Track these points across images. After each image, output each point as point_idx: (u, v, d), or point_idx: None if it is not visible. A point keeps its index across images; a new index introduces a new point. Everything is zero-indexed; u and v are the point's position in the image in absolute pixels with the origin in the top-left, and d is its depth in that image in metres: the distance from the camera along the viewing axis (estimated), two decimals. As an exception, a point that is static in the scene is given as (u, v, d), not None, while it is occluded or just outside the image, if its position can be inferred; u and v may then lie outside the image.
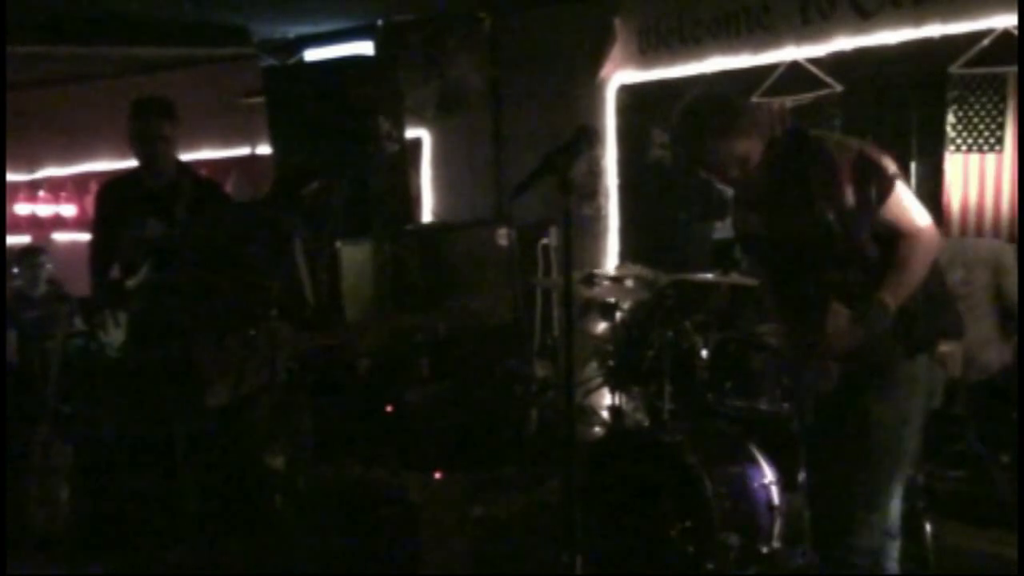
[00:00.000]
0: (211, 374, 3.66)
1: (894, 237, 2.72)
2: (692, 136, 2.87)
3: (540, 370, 5.69)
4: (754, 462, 3.80)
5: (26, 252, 6.55)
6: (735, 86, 5.37)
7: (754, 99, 5.32)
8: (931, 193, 4.93)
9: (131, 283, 4.04)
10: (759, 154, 2.84)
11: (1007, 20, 4.45)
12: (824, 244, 2.73)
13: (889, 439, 2.77)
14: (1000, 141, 4.58)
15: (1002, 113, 4.55)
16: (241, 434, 3.84)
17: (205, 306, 3.79)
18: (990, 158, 4.61)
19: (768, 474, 3.76)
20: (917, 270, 2.71)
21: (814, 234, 2.73)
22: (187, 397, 3.90)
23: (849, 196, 2.70)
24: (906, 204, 2.75)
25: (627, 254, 5.90)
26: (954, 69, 4.65)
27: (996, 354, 4.38)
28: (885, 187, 2.71)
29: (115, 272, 4.19)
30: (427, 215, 6.82)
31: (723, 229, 6.27)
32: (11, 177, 8.37)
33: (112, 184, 4.38)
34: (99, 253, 4.22)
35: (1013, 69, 4.48)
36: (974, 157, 4.66)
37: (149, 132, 4.04)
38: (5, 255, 6.38)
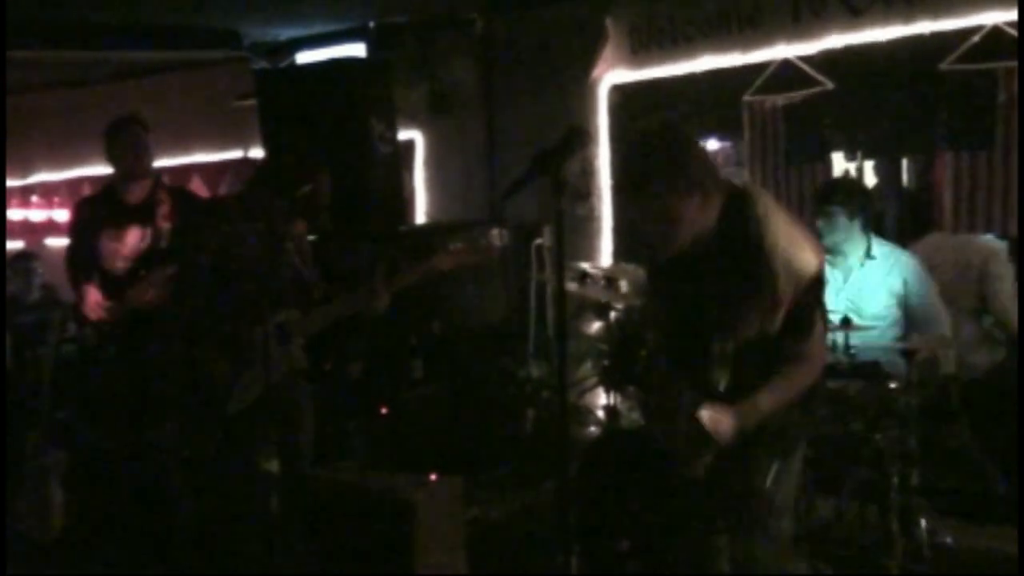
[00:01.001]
0: (226, 381, 3.65)
1: (790, 348, 2.55)
2: (633, 174, 2.54)
3: (535, 370, 5.69)
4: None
5: (19, 257, 6.54)
6: (727, 85, 5.39)
7: (746, 97, 5.33)
8: (922, 189, 4.95)
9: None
10: (697, 216, 2.51)
11: (997, 16, 4.46)
12: (733, 328, 2.52)
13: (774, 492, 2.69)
14: (991, 137, 4.58)
15: (993, 110, 4.55)
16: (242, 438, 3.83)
17: (209, 311, 3.79)
18: (981, 154, 4.62)
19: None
20: (801, 388, 2.59)
21: (729, 319, 2.52)
22: (187, 402, 3.93)
23: (786, 303, 2.49)
24: (818, 327, 2.59)
25: (621, 254, 5.90)
26: (945, 66, 4.66)
27: (987, 353, 4.40)
28: (818, 314, 2.56)
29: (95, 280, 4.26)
30: (421, 216, 6.81)
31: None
32: (4, 182, 8.35)
33: (88, 200, 4.54)
34: (77, 265, 4.30)
35: (1004, 65, 4.48)
36: (965, 153, 4.67)
37: (134, 143, 4.17)
38: (5, 261, 6.37)
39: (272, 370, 3.48)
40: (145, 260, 4.16)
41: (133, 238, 4.16)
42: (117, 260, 4.17)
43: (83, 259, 4.31)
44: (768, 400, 2.55)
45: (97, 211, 4.35)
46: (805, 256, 2.51)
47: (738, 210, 2.55)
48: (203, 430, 3.94)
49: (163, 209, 4.23)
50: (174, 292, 4.05)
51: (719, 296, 2.54)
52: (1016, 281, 4.48)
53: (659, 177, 2.47)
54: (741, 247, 2.51)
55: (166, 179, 4.69)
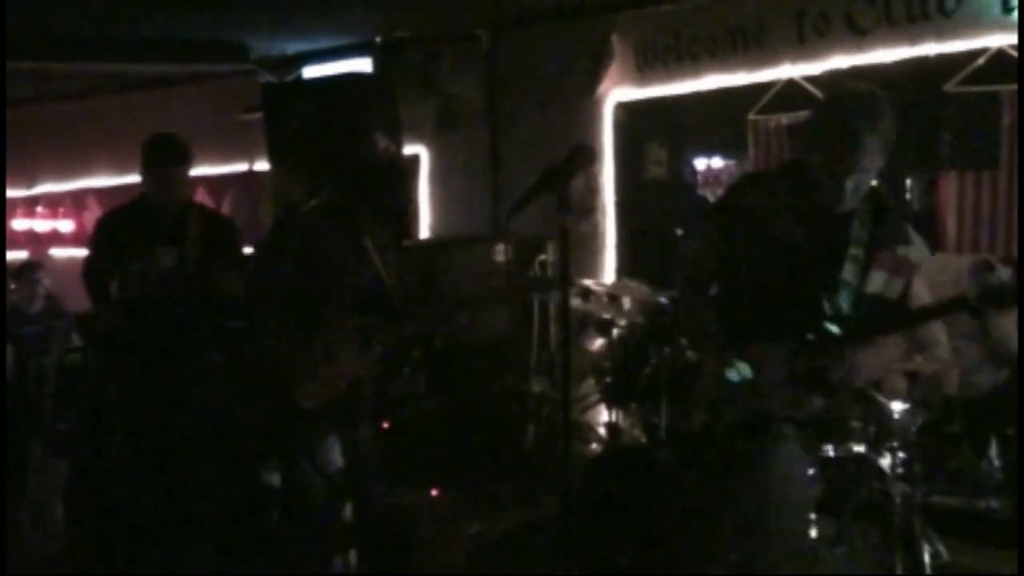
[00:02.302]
0: (296, 374, 3.59)
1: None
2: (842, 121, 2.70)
3: (537, 386, 5.68)
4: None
5: (23, 268, 6.54)
6: (732, 104, 5.41)
7: (751, 116, 5.35)
8: (926, 210, 4.95)
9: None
10: (872, 175, 2.76)
11: (1002, 39, 4.48)
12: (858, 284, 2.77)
13: None
14: (995, 159, 4.59)
15: (997, 131, 4.57)
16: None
17: (288, 308, 3.73)
18: (985, 175, 4.63)
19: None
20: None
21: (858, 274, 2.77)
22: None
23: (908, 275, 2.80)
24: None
25: (624, 270, 5.91)
26: (949, 87, 4.67)
27: (990, 374, 4.39)
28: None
29: (114, 291, 4.21)
30: (425, 231, 6.83)
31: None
32: (9, 193, 8.37)
33: (116, 213, 4.39)
34: (98, 277, 4.22)
35: (1007, 88, 4.50)
36: (969, 174, 4.68)
37: (169, 180, 4.08)
38: (5, 271, 6.38)
39: (351, 371, 3.44)
40: (173, 279, 4.05)
41: (162, 258, 4.04)
42: (144, 279, 4.06)
43: (106, 273, 4.19)
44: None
45: (125, 225, 4.23)
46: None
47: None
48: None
49: (195, 230, 4.11)
50: (257, 284, 3.94)
51: (855, 250, 2.78)
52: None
53: (863, 131, 2.67)
54: (885, 210, 2.82)
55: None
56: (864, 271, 2.78)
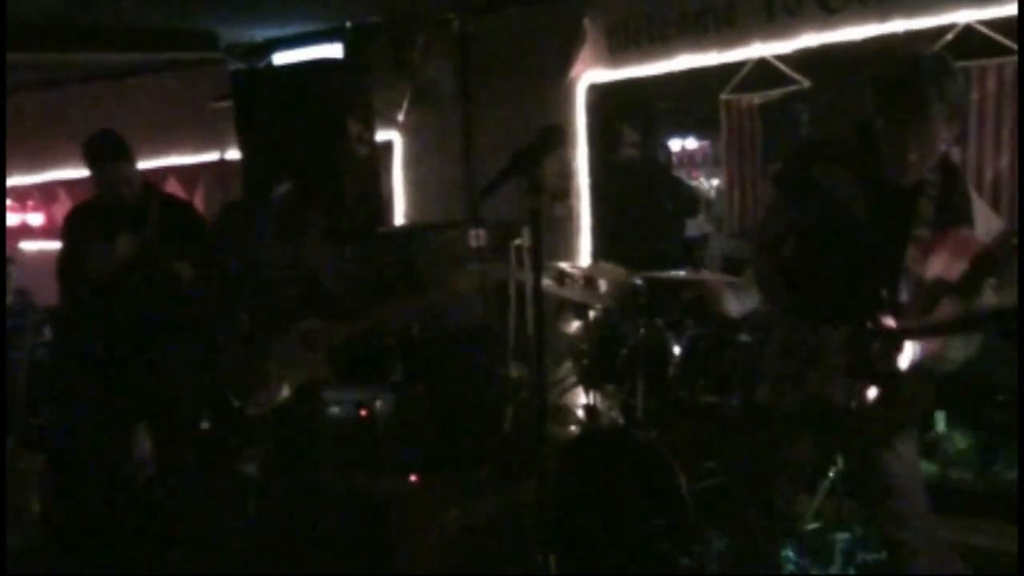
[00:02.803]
0: (240, 382, 3.60)
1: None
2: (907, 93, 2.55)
3: (514, 370, 5.68)
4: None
5: (-8, 261, 6.46)
6: (704, 84, 5.42)
7: (723, 96, 5.36)
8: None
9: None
10: (940, 144, 2.62)
11: (970, 15, 4.50)
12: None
13: None
14: (964, 135, 4.62)
15: (966, 107, 4.59)
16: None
17: (235, 316, 3.74)
18: (954, 151, 4.65)
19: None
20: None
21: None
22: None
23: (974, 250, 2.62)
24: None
25: (599, 253, 5.92)
26: (919, 64, 4.68)
27: (962, 347, 4.42)
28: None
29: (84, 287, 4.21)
30: (399, 217, 6.80)
31: (695, 226, 6.32)
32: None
33: (79, 208, 4.45)
34: (69, 271, 4.24)
35: (976, 63, 4.53)
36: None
37: (114, 178, 4.07)
38: (5, 259, 6.28)
39: (296, 377, 3.45)
40: (135, 267, 4.05)
41: (123, 245, 4.03)
42: (105, 267, 4.05)
43: (74, 267, 4.19)
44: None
45: (88, 218, 4.23)
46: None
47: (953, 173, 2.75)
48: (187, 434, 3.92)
49: (154, 218, 4.11)
50: (201, 295, 3.96)
51: (920, 231, 2.63)
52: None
53: (932, 99, 2.55)
54: (953, 185, 2.68)
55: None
56: (928, 254, 2.60)
